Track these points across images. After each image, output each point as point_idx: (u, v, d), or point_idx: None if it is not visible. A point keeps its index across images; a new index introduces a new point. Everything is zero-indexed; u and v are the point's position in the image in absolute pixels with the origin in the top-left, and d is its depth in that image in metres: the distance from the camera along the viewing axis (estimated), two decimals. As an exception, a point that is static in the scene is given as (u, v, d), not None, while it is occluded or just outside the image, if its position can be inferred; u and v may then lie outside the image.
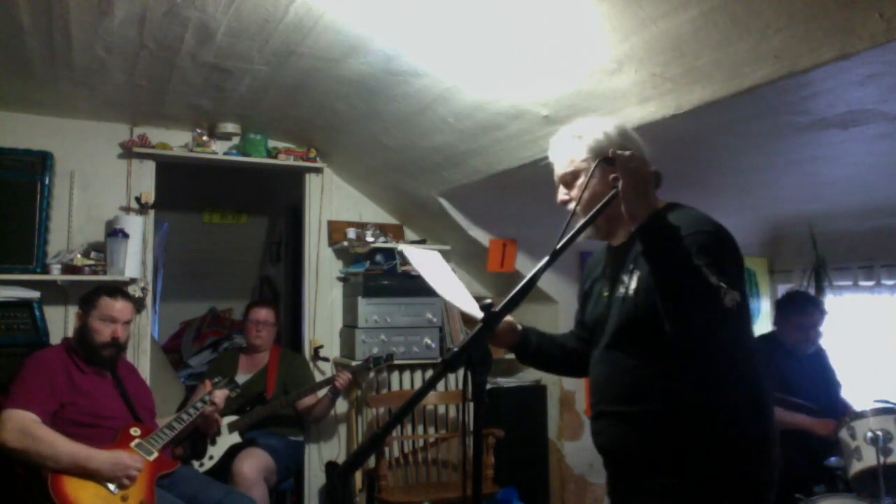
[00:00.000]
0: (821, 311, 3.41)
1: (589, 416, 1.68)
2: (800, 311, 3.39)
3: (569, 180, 1.61)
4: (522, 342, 1.74)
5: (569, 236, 1.35)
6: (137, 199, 3.60)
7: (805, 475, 3.14)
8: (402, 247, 3.75)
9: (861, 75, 1.81)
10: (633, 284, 1.51)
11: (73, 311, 3.15)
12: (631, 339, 1.51)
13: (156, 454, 2.62)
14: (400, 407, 1.11)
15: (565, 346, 1.79)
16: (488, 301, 1.21)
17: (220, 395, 2.98)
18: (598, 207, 1.40)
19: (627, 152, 1.40)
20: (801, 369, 3.37)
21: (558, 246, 1.32)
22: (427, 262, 1.64)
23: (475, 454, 1.10)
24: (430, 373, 4.06)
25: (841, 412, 3.16)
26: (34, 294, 3.19)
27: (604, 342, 1.59)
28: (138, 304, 3.58)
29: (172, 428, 2.75)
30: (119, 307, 2.75)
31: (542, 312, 4.05)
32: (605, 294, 1.61)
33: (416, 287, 3.97)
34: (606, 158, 1.40)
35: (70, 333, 3.11)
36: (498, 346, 1.76)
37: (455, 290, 1.61)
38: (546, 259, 1.30)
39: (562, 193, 1.63)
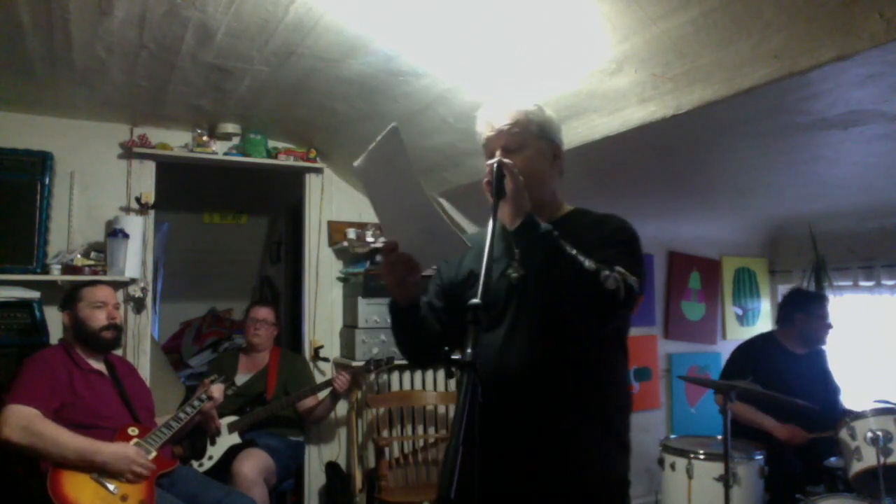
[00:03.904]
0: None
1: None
2: (820, 305, 3.48)
3: (513, 147, 1.56)
4: (417, 302, 1.61)
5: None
6: (137, 200, 3.60)
7: (805, 475, 3.15)
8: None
9: (861, 75, 1.81)
10: None
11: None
12: (557, 322, 1.49)
13: (154, 453, 2.61)
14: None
15: (430, 329, 1.66)
16: (476, 301, 1.19)
17: (217, 391, 2.99)
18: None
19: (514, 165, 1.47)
20: (799, 369, 3.38)
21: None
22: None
23: (471, 454, 1.09)
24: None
25: (839, 413, 3.17)
26: (34, 294, 3.19)
27: (511, 324, 1.53)
28: (138, 304, 3.59)
29: (170, 427, 2.75)
30: (103, 292, 2.81)
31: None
32: (514, 275, 1.55)
33: (416, 287, 3.96)
34: (500, 163, 1.45)
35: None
36: (396, 294, 1.57)
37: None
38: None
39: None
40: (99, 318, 2.72)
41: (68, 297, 2.81)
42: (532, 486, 1.49)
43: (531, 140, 1.57)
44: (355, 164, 1.48)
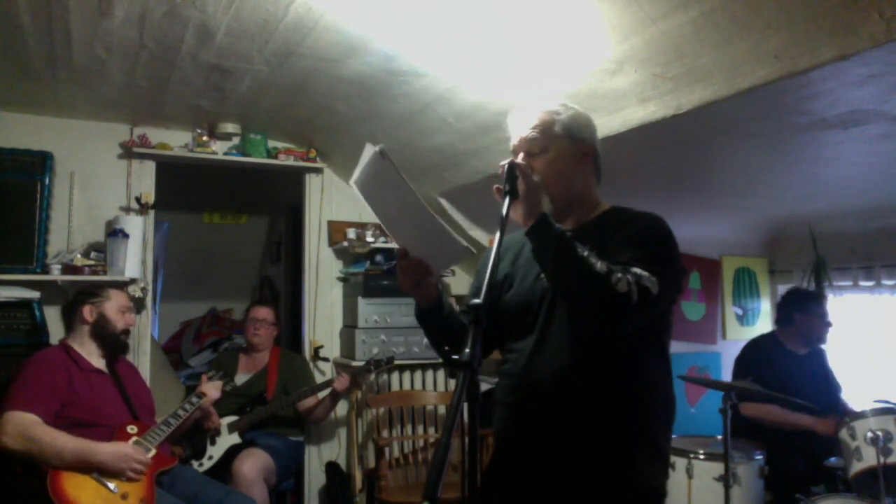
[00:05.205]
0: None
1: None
2: (818, 304, 3.48)
3: (535, 152, 1.55)
4: (439, 301, 1.60)
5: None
6: (137, 199, 3.60)
7: (805, 475, 3.14)
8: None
9: (861, 75, 1.81)
10: None
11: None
12: (588, 327, 1.46)
13: (153, 451, 2.61)
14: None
15: (460, 326, 1.62)
16: (478, 301, 1.20)
17: (215, 387, 3.00)
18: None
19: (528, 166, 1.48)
20: (800, 370, 3.38)
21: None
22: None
23: (471, 454, 1.09)
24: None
25: (841, 412, 3.16)
26: (34, 294, 3.19)
27: (542, 329, 1.52)
28: (138, 304, 3.59)
29: (169, 424, 2.75)
30: (126, 298, 2.95)
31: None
32: (546, 279, 1.53)
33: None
34: (512, 163, 1.45)
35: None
36: (416, 296, 1.58)
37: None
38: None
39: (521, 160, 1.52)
40: (121, 322, 2.83)
41: (90, 293, 2.85)
42: (562, 495, 1.47)
43: (554, 142, 1.55)
44: (351, 181, 1.49)
